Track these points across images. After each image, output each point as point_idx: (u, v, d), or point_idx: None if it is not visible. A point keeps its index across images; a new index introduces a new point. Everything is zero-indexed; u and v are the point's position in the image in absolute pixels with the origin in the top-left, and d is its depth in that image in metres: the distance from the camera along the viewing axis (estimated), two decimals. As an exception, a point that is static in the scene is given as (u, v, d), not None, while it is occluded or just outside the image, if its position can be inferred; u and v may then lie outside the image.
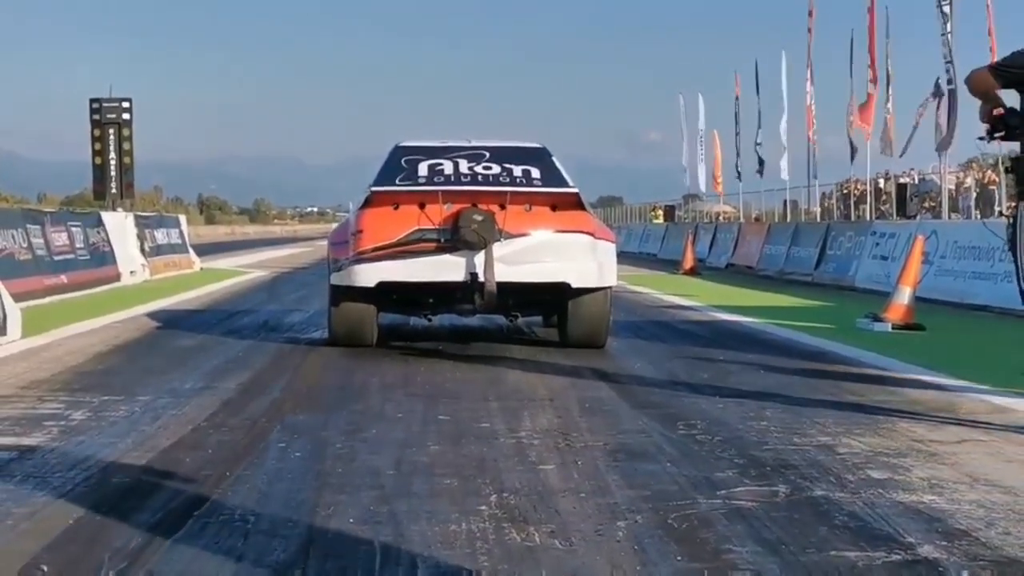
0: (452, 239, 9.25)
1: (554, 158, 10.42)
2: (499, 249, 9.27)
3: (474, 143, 10.58)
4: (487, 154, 10.29)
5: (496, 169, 10.04)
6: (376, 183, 9.83)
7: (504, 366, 8.79)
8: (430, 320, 10.60)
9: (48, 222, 17.18)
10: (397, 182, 9.82)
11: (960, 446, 5.74)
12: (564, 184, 9.93)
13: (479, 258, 9.26)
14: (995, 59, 6.95)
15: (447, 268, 9.33)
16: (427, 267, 9.34)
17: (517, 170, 10.04)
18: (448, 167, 10.04)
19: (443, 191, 9.50)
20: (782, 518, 4.31)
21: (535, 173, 10.03)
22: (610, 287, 9.78)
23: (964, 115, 20.98)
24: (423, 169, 10.00)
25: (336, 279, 9.62)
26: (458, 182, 9.80)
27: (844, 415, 6.62)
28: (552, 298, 9.92)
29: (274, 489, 4.76)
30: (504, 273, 9.29)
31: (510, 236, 9.32)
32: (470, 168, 10.04)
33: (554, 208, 9.61)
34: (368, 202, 9.65)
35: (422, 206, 9.40)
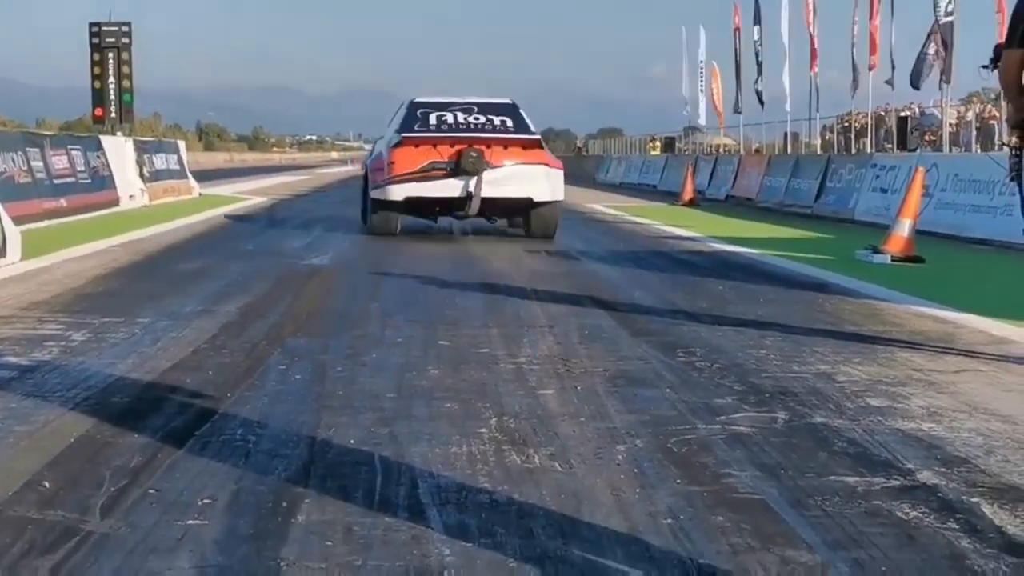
0: (455, 169, 13.80)
1: (522, 111, 14.98)
2: (487, 176, 13.83)
3: (468, 100, 15.01)
4: (475, 108, 14.78)
5: (482, 120, 14.61)
6: (403, 130, 14.36)
7: (503, 294, 8.80)
8: (435, 221, 15.10)
9: (48, 145, 17.12)
10: (416, 129, 14.35)
11: (959, 375, 5.76)
12: (529, 131, 14.64)
13: (472, 181, 13.81)
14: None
15: (451, 188, 13.90)
16: (437, 187, 13.92)
17: (497, 120, 14.64)
18: (450, 118, 14.57)
19: (450, 137, 14.10)
20: (781, 444, 4.33)
21: (509, 123, 14.63)
22: (559, 200, 14.42)
23: (964, 47, 20.84)
24: (433, 119, 14.54)
25: (376, 194, 14.25)
26: (458, 129, 14.39)
27: (843, 344, 6.64)
28: (520, 207, 14.35)
29: (275, 410, 4.77)
30: (488, 191, 13.87)
31: (493, 167, 13.86)
32: (465, 119, 14.59)
33: (524, 148, 14.22)
34: (399, 143, 14.13)
35: (435, 146, 14.02)
